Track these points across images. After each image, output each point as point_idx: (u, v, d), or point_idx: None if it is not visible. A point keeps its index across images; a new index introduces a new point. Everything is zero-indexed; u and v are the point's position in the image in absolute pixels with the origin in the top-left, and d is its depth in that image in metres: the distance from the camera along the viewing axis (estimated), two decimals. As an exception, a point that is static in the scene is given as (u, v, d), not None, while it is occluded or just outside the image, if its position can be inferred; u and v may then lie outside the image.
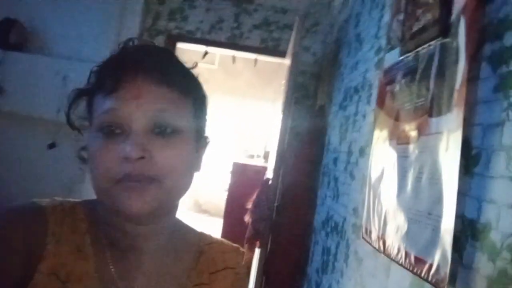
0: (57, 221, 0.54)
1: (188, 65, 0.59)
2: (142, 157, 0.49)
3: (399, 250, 0.94)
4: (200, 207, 6.89)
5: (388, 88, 1.22)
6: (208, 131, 0.62)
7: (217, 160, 6.83)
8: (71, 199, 0.59)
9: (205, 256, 0.63)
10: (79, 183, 2.40)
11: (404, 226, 0.93)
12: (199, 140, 0.59)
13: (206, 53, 3.32)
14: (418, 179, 0.90)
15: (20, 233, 0.51)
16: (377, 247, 1.07)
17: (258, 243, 2.13)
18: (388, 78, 1.23)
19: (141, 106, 0.50)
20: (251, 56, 3.33)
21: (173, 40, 2.97)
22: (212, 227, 5.52)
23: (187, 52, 3.43)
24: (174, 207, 0.59)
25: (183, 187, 0.55)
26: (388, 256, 1.00)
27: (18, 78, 2.54)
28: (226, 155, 6.42)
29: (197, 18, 2.98)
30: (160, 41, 2.95)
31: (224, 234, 3.64)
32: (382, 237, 1.04)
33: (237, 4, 2.99)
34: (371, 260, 1.19)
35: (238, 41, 2.99)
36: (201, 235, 0.66)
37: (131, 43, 0.58)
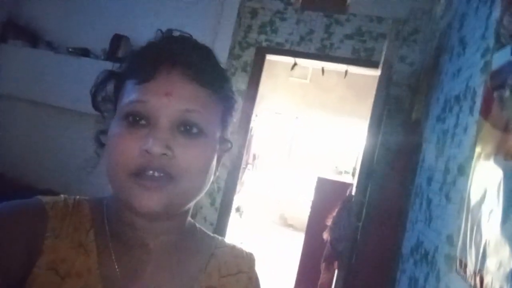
0: (57, 216, 0.52)
1: (224, 66, 0.57)
2: (164, 154, 0.48)
3: (502, 292, 0.75)
4: (286, 221, 6.83)
5: (496, 93, 1.02)
6: (230, 137, 0.59)
7: (305, 175, 6.73)
8: (77, 196, 0.57)
9: (216, 259, 0.61)
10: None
11: (509, 263, 0.74)
12: (222, 144, 0.57)
13: (295, 64, 3.28)
14: (531, 204, 0.71)
15: (18, 228, 0.49)
16: (472, 284, 0.88)
17: (336, 264, 1.98)
18: (497, 82, 1.03)
19: (171, 102, 0.49)
20: (342, 68, 3.19)
21: (262, 52, 2.99)
22: (295, 241, 5.42)
23: (278, 64, 3.43)
24: (188, 208, 0.57)
25: (199, 190, 0.53)
26: (488, 297, 0.81)
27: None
28: (315, 170, 6.29)
29: (287, 30, 2.96)
30: (250, 53, 3.00)
31: (304, 251, 3.50)
32: (479, 273, 0.85)
33: (329, 14, 2.91)
34: (467, 299, 0.98)
35: (328, 52, 2.89)
36: (214, 239, 0.64)
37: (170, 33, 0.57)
